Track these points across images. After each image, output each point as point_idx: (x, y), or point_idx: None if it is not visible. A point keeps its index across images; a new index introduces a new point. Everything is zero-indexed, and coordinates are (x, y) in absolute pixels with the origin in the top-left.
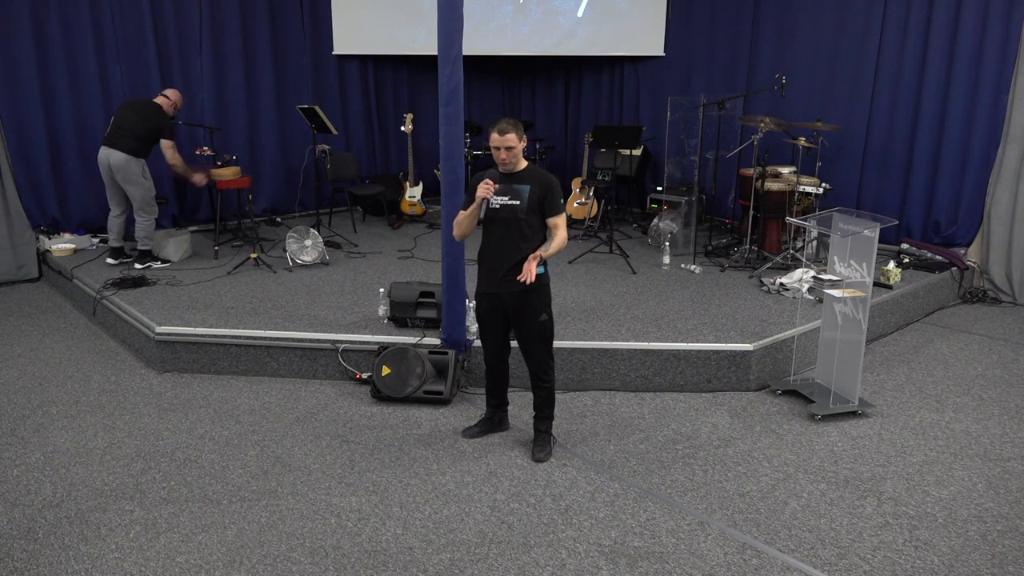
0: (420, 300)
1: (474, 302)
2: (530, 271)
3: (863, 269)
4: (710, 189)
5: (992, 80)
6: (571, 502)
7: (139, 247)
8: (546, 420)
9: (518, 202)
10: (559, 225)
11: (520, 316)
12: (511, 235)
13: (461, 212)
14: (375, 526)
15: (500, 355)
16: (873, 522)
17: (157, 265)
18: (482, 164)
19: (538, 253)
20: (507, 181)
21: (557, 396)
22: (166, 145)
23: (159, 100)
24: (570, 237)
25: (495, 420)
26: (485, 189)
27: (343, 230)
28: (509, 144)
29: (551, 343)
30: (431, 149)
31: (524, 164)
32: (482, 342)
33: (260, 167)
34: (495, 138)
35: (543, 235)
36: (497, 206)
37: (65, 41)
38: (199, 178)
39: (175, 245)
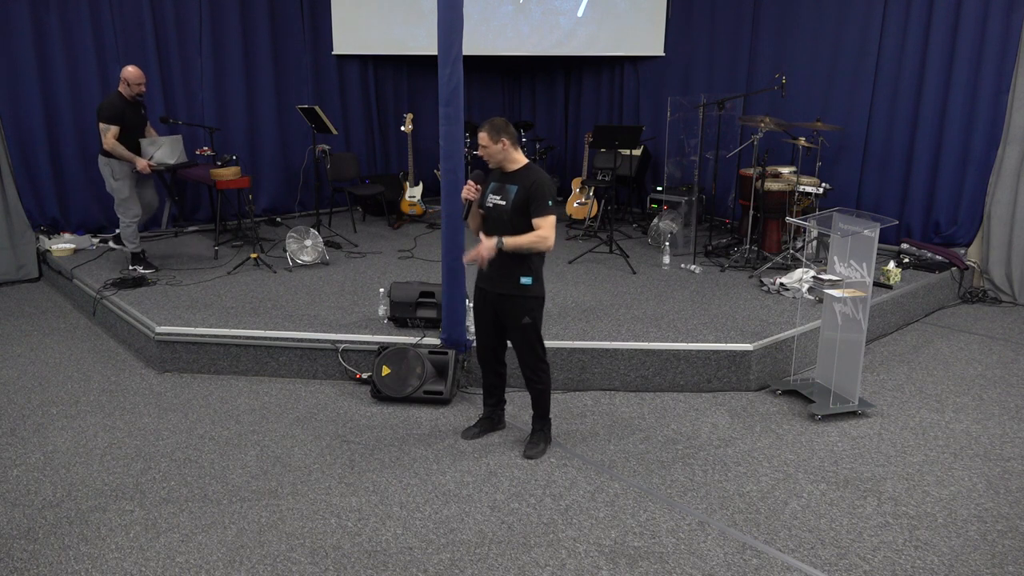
0: (420, 300)
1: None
2: (478, 254)
3: (863, 269)
4: (710, 189)
5: (992, 80)
6: (571, 502)
7: (127, 250)
8: (540, 419)
9: (505, 203)
10: (541, 226)
11: (505, 318)
12: (499, 235)
13: None
14: (375, 526)
15: (492, 351)
16: (873, 522)
17: (141, 269)
18: (482, 164)
19: (492, 242)
20: (502, 181)
21: (557, 396)
22: (102, 130)
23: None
24: (570, 237)
25: (493, 419)
26: (466, 191)
27: (343, 230)
28: (480, 143)
29: (537, 346)
30: (431, 149)
31: (520, 164)
32: (475, 336)
33: (260, 167)
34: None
35: None
36: (490, 205)
37: (65, 41)
38: (142, 164)
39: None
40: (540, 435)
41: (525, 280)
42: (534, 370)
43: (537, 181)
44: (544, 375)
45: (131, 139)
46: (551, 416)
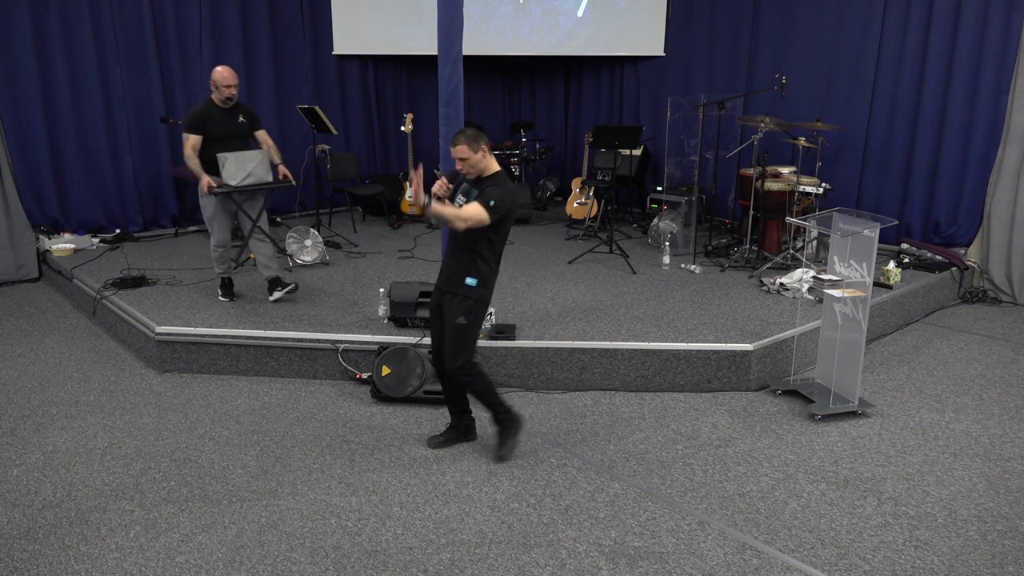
0: (420, 300)
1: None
2: (417, 188)
3: (863, 269)
4: (710, 189)
5: (992, 80)
6: (571, 502)
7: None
8: (492, 420)
9: None
10: (467, 208)
11: (444, 313)
12: (457, 236)
13: None
14: (375, 526)
15: (441, 355)
16: (873, 522)
17: (221, 297)
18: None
19: (422, 199)
20: (474, 185)
21: (557, 396)
22: (183, 139)
23: None
24: (570, 237)
25: (460, 428)
26: (438, 187)
27: (343, 230)
28: (460, 155)
29: (462, 348)
30: (431, 149)
31: (493, 171)
32: (431, 340)
33: None
34: (452, 150)
35: (484, 245)
36: (458, 207)
37: (65, 41)
38: (203, 183)
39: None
40: (500, 434)
41: (470, 281)
42: (454, 373)
43: (496, 186)
44: (467, 378)
45: (220, 151)
46: (504, 414)
